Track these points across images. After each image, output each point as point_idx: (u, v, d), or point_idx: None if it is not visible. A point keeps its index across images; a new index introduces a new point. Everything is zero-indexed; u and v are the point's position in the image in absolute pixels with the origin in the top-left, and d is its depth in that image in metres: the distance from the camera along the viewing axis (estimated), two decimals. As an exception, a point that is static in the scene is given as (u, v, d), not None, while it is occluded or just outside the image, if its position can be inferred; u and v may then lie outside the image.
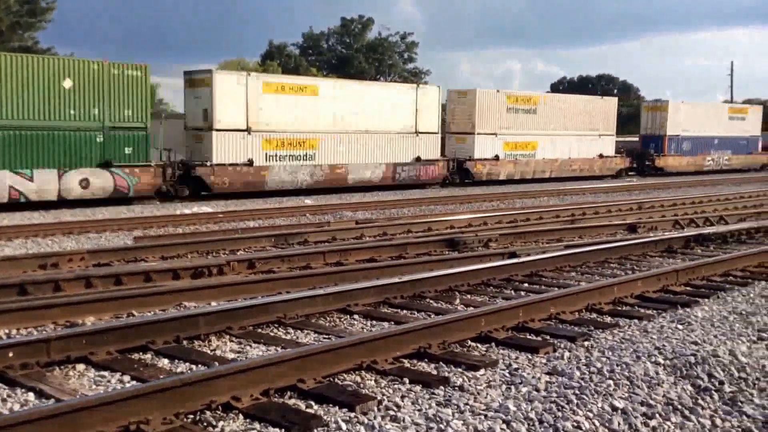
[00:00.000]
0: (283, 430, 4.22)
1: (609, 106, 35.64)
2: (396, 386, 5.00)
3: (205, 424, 4.31)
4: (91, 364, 5.40)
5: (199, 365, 5.41)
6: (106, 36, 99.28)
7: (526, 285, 8.57)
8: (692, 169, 39.23)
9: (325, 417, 4.39)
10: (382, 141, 26.12)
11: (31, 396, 4.77)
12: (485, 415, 4.39)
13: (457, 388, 4.94)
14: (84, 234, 13.62)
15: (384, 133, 26.11)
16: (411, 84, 28.23)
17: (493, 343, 6.06)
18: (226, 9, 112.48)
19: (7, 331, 6.23)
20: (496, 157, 30.21)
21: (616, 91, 77.60)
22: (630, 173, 37.29)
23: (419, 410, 4.49)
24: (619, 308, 7.39)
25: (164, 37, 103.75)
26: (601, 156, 34.51)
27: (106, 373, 5.24)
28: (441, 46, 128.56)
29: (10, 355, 5.14)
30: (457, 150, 29.99)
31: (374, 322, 6.88)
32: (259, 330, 6.46)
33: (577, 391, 4.73)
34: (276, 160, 23.44)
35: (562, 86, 79.16)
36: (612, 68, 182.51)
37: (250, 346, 6.03)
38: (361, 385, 5.00)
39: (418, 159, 26.94)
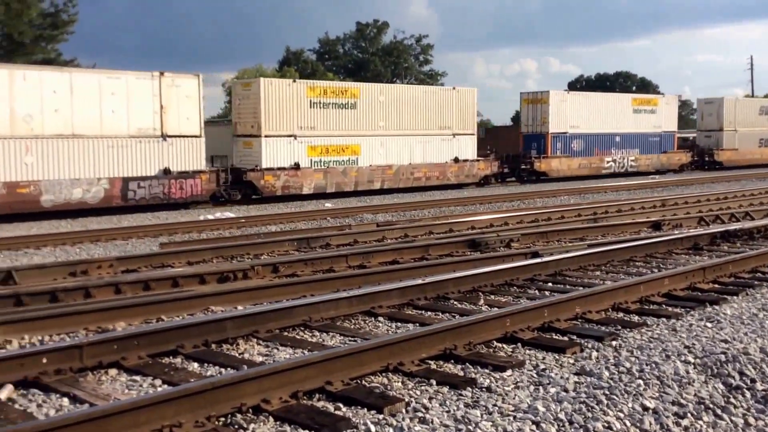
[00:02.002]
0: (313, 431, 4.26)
1: (466, 99, 28.90)
2: (423, 388, 5.02)
3: (236, 426, 4.35)
4: (122, 369, 5.47)
5: (228, 368, 5.46)
6: (125, 46, 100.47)
7: (550, 285, 8.54)
8: (586, 173, 33.07)
9: (353, 419, 4.41)
10: (103, 148, 19.70)
11: (65, 401, 4.84)
12: (514, 416, 4.40)
13: (484, 389, 4.94)
14: (111, 241, 13.84)
15: (107, 137, 19.78)
16: (150, 72, 20.94)
17: (519, 344, 6.06)
18: (244, 17, 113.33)
19: (40, 337, 6.35)
20: (296, 166, 23.92)
21: (634, 88, 77.00)
22: (509, 179, 31.65)
23: (447, 412, 4.51)
24: (647, 307, 7.35)
25: (183, 47, 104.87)
26: (456, 160, 28.33)
27: (137, 378, 5.31)
28: (456, 48, 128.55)
29: (44, 361, 5.22)
30: (244, 157, 23.79)
31: (399, 324, 6.90)
32: (285, 333, 6.50)
33: (606, 392, 4.72)
34: None
35: (580, 84, 78.74)
36: (629, 65, 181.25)
37: (277, 349, 6.08)
38: (389, 387, 5.02)
39: (166, 171, 20.89)
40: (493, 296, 7.96)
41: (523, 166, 31.68)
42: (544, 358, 5.70)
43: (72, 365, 5.32)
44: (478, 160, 29.37)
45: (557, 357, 5.72)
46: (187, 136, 21.43)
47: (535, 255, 10.10)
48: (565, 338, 6.25)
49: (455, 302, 7.70)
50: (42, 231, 15.88)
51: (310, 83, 25.14)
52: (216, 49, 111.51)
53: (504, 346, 6.04)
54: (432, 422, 4.33)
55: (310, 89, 24.54)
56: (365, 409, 4.60)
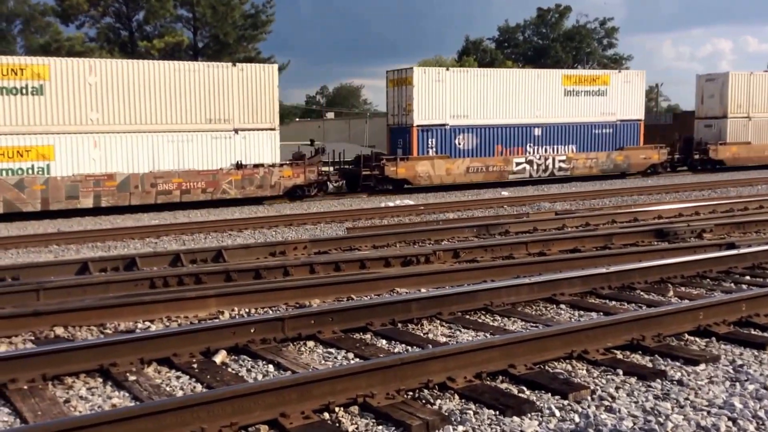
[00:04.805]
0: (497, 412, 4.35)
1: (261, 79, 20.83)
2: (609, 377, 4.96)
3: (423, 401, 4.56)
4: (319, 342, 5.92)
5: (414, 347, 5.72)
6: (316, 43, 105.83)
7: (747, 278, 8.04)
8: (481, 178, 24.25)
9: (537, 402, 4.47)
10: None
11: (270, 368, 5.34)
12: (708, 411, 4.25)
13: (675, 382, 4.81)
14: (302, 225, 14.88)
15: None
16: None
17: (713, 338, 5.79)
18: (426, 11, 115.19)
19: (247, 309, 7.02)
20: None
21: None
22: (361, 190, 22.80)
23: (635, 402, 4.44)
24: None
25: (369, 41, 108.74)
26: (239, 166, 20.61)
27: (332, 350, 5.73)
28: (642, 30, 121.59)
29: (252, 330, 5.78)
30: None
31: (581, 312, 6.83)
32: (467, 316, 6.67)
33: (813, 391, 4.41)
34: None
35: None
36: None
37: (460, 331, 6.26)
38: (573, 374, 5.01)
39: None
40: (683, 288, 7.63)
41: (365, 172, 22.81)
42: (741, 354, 5.41)
43: (275, 336, 5.84)
44: (281, 166, 21.41)
45: (756, 353, 5.41)
46: None
47: (731, 246, 9.49)
48: (765, 334, 5.87)
49: (642, 293, 7.46)
50: (243, 216, 17.43)
51: None
52: (400, 42, 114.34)
53: (696, 339, 5.80)
54: (619, 411, 4.29)
55: None
56: (549, 394, 4.63)
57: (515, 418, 4.24)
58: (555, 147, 25.85)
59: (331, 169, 23.02)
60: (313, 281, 7.70)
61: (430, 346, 5.51)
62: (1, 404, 4.69)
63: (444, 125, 23.79)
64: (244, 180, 20.72)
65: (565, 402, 4.49)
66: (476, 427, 4.15)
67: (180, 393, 4.84)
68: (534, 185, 24.74)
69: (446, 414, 4.30)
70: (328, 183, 23.39)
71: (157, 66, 19.93)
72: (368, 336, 6.11)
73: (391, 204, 19.24)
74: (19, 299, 7.32)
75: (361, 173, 22.92)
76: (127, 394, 4.83)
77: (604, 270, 7.75)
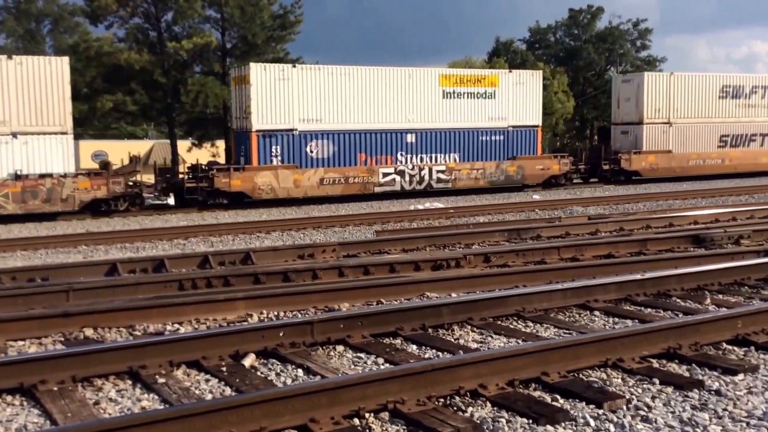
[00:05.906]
0: (530, 420, 4.26)
1: (44, 74, 18.05)
2: (645, 386, 4.84)
3: (455, 408, 4.48)
4: (348, 346, 5.86)
5: (445, 352, 5.63)
6: (343, 44, 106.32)
7: (788, 286, 7.80)
8: (339, 191, 21.63)
9: (572, 411, 4.37)
10: None
11: (300, 372, 5.30)
12: (747, 423, 4.14)
13: (713, 392, 4.68)
14: (330, 228, 14.88)
15: None
16: None
17: (752, 347, 5.63)
18: (456, 12, 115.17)
19: (275, 313, 6.99)
20: None
21: None
22: (191, 204, 20.16)
23: (672, 412, 4.33)
24: None
25: (399, 42, 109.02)
26: (19, 176, 17.90)
27: (362, 355, 5.66)
28: (677, 31, 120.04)
29: (281, 334, 5.74)
30: None
31: (616, 320, 6.69)
32: (499, 322, 6.57)
33: None
34: None
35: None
36: None
37: (491, 337, 6.16)
38: (607, 383, 4.90)
39: None
40: (721, 296, 7.45)
41: (190, 185, 20.21)
42: (782, 364, 5.24)
43: (305, 339, 5.80)
44: (76, 176, 18.81)
45: (799, 364, 5.24)
46: None
47: (770, 253, 9.26)
48: (809, 345, 5.69)
49: (678, 300, 7.30)
50: (272, 217, 17.51)
51: None
52: (429, 43, 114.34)
53: (735, 348, 5.64)
54: (656, 422, 4.18)
55: None
56: (583, 402, 4.53)
57: (549, 427, 4.16)
58: (433, 156, 23.04)
59: (151, 180, 20.57)
60: (342, 285, 7.66)
61: (461, 352, 5.43)
62: (32, 405, 4.71)
63: (292, 130, 20.99)
64: (25, 193, 17.64)
65: (600, 411, 4.39)
66: (509, 436, 4.07)
67: (209, 396, 4.83)
68: (453, 195, 22.98)
69: (478, 422, 4.22)
70: (144, 196, 20.66)
71: None
72: (398, 341, 6.04)
73: (420, 207, 19.19)
74: (49, 300, 7.37)
75: (184, 185, 20.24)
76: (156, 397, 4.82)
77: (639, 276, 7.60)
